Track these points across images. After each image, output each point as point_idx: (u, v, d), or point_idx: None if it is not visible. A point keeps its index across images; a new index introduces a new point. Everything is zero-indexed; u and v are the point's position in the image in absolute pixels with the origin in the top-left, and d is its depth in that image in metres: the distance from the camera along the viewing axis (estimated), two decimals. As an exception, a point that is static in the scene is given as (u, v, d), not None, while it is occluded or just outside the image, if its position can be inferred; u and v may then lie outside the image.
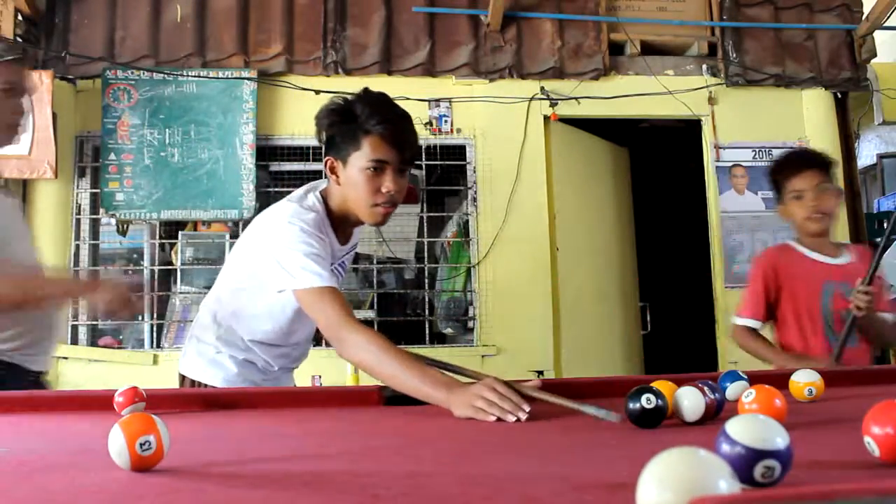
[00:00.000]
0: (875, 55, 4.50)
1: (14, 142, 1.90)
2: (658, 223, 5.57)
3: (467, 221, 4.23)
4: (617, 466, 0.83)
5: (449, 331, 4.24)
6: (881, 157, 5.43)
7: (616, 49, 4.39)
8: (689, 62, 4.44)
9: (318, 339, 2.06)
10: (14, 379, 1.80)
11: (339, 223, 1.75)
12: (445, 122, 4.21)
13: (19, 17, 4.00)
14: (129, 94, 4.00)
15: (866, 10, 4.43)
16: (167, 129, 4.02)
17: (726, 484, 0.50)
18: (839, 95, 4.50)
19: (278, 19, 4.15)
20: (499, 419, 1.22)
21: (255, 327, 1.79)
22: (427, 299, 4.22)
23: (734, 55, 4.37)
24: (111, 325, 4.04)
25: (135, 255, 4.19)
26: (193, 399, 1.49)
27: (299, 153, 4.13)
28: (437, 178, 4.39)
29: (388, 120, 1.62)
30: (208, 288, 2.02)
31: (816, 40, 4.47)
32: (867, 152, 5.61)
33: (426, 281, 4.21)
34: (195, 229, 4.13)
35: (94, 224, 4.11)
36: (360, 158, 1.63)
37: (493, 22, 4.18)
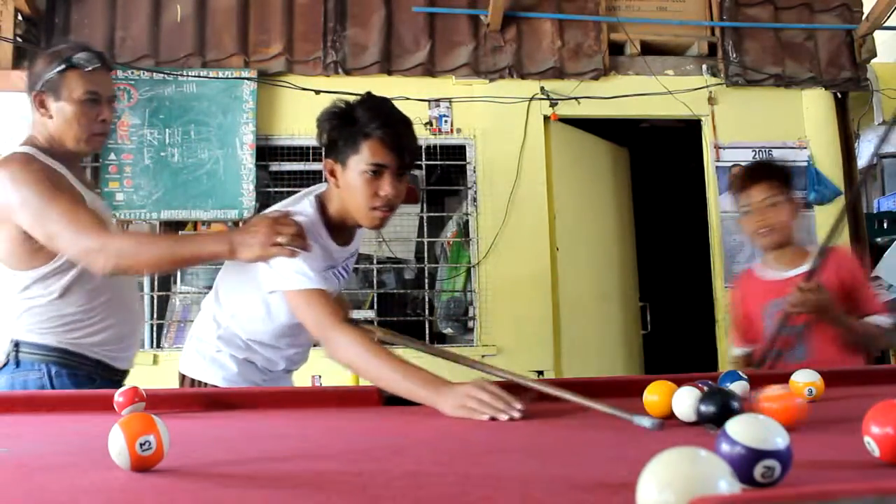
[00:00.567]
0: (875, 55, 4.50)
1: (99, 148, 1.94)
2: (658, 223, 5.57)
3: (467, 221, 4.23)
4: (617, 466, 0.83)
5: (449, 331, 4.24)
6: (881, 156, 5.43)
7: (616, 49, 4.39)
8: (689, 62, 4.44)
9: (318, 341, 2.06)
10: (103, 377, 1.79)
11: (338, 226, 1.75)
12: (445, 122, 4.21)
13: (19, 17, 4.00)
14: (128, 93, 4.00)
15: (866, 10, 4.43)
16: (167, 129, 4.02)
17: (726, 484, 0.50)
18: (839, 95, 4.50)
19: (278, 19, 4.15)
20: (492, 418, 1.23)
21: (253, 328, 1.79)
22: (427, 299, 4.22)
23: (734, 55, 4.37)
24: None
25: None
26: (193, 399, 1.49)
27: (299, 153, 4.13)
28: (437, 178, 4.39)
29: (388, 124, 1.63)
30: (208, 288, 2.02)
31: (816, 40, 4.47)
32: (867, 152, 5.61)
33: (426, 281, 4.21)
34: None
35: (94, 224, 4.10)
36: (359, 162, 1.63)
37: (493, 22, 4.18)
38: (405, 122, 1.69)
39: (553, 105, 4.24)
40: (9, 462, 0.93)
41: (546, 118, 4.26)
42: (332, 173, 1.70)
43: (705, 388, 1.10)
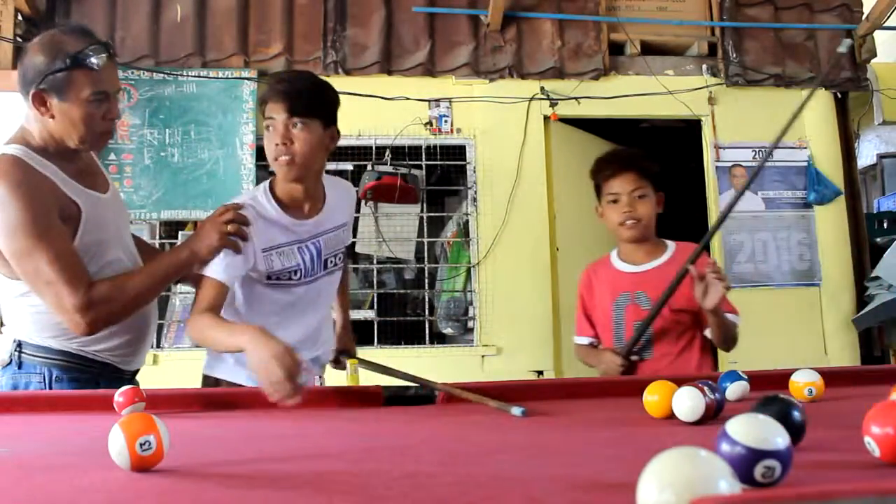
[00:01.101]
0: (875, 55, 4.50)
1: (104, 148, 1.91)
2: (658, 223, 5.56)
3: (467, 221, 4.23)
4: (617, 466, 0.83)
5: (449, 331, 4.23)
6: (881, 157, 5.44)
7: (616, 49, 4.39)
8: (689, 62, 4.44)
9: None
10: (108, 378, 1.74)
11: (289, 202, 1.80)
12: (445, 122, 4.21)
13: (19, 17, 4.00)
14: (129, 93, 4.00)
15: (866, 10, 4.43)
16: (167, 129, 4.02)
17: (726, 484, 0.50)
18: (839, 95, 4.50)
19: (278, 19, 4.15)
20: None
21: (258, 319, 1.79)
22: (427, 299, 4.22)
23: (734, 55, 4.37)
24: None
25: (135, 255, 4.18)
26: (193, 399, 1.49)
27: (299, 153, 4.12)
28: (437, 178, 4.39)
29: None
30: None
31: (816, 40, 4.48)
32: (867, 152, 5.62)
33: (426, 281, 4.21)
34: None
35: (94, 224, 4.10)
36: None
37: (493, 22, 4.18)
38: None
39: (553, 105, 4.24)
40: (9, 462, 0.93)
41: (546, 118, 4.26)
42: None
43: (706, 389, 1.10)
